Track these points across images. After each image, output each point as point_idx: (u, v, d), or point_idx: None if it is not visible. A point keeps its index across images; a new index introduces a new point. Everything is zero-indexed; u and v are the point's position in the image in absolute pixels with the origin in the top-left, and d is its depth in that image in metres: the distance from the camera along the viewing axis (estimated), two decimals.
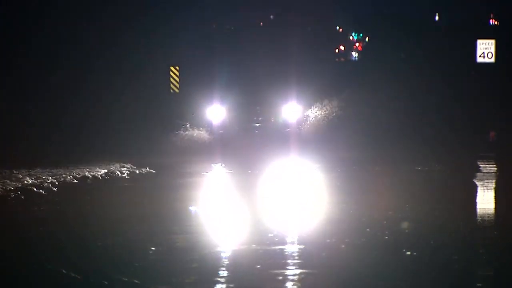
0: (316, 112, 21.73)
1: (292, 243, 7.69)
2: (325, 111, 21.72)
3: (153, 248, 7.45)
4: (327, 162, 16.63)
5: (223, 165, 17.29)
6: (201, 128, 20.57)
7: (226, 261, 6.82)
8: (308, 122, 21.55)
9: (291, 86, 21.12)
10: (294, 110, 21.18)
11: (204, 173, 15.94)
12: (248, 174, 15.28)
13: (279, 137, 20.15)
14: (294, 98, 21.12)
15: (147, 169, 15.64)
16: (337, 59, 35.40)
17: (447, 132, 19.38)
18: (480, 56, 21.46)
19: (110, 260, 6.98)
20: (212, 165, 17.38)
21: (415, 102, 21.10)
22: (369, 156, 17.29)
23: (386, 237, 7.90)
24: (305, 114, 21.69)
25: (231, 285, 5.95)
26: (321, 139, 19.82)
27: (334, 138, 19.43)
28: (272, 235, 8.10)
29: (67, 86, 20.34)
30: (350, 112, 21.41)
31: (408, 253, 6.97)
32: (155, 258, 7.03)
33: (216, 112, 20.85)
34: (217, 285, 5.91)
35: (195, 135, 20.40)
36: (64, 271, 6.47)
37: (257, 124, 21.24)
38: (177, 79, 21.02)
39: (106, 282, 6.03)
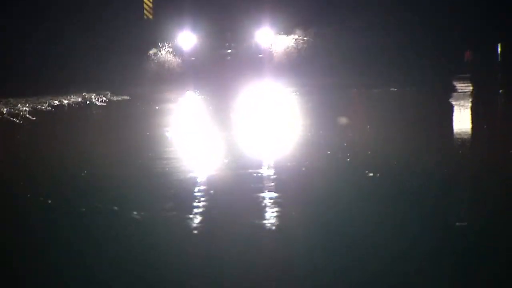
0: (291, 38, 21.52)
1: (267, 167, 7.82)
2: (300, 37, 21.53)
3: (129, 174, 7.57)
4: (301, 86, 16.81)
5: (197, 91, 17.40)
6: (172, 56, 20.51)
7: (203, 186, 6.97)
8: (283, 49, 21.30)
9: (264, 11, 20.65)
10: (267, 36, 20.76)
11: (178, 99, 16.09)
12: (222, 99, 15.43)
13: (252, 64, 19.92)
14: (267, 24, 20.70)
15: (122, 97, 15.80)
16: None
17: (422, 54, 19.39)
18: None
19: (84, 187, 7.08)
20: (186, 91, 17.48)
21: (390, 23, 20.96)
22: (344, 81, 17.40)
23: (348, 159, 8.02)
24: (279, 40, 21.37)
25: (209, 209, 6.11)
26: (296, 66, 19.79)
27: (310, 64, 19.36)
28: (246, 159, 8.27)
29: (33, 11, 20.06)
30: (327, 38, 21.24)
31: (370, 174, 7.09)
32: (131, 184, 7.16)
33: (187, 39, 20.48)
34: (195, 209, 6.07)
35: (166, 63, 20.36)
36: (39, 198, 6.51)
37: (229, 51, 20.83)
38: (150, 4, 20.73)
39: (83, 209, 6.15)
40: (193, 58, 20.46)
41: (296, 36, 21.57)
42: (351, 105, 13.44)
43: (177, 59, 20.59)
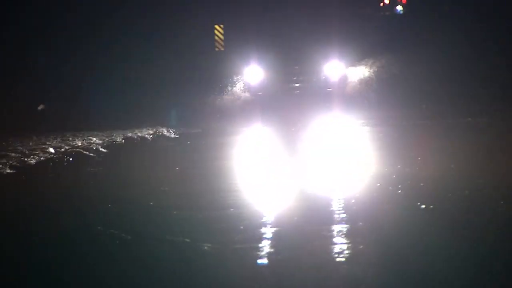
0: (359, 71, 21.43)
1: (337, 201, 7.79)
2: (369, 70, 21.44)
3: (200, 207, 7.71)
4: (372, 119, 16.62)
5: (264, 125, 17.56)
6: (240, 90, 20.71)
7: (271, 220, 7.03)
8: (351, 81, 21.20)
9: (333, 44, 20.55)
10: (336, 69, 20.55)
11: (247, 132, 16.28)
12: (290, 132, 15.50)
13: (321, 97, 19.83)
14: (336, 56, 20.56)
15: (194, 130, 16.17)
16: (382, 13, 34.59)
17: (496, 89, 18.89)
18: None
19: (158, 219, 7.23)
20: (254, 125, 17.66)
21: (461, 58, 20.65)
22: (417, 112, 17.08)
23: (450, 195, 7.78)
24: (348, 73, 21.26)
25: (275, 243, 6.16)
26: (365, 99, 19.60)
27: (379, 97, 19.15)
28: (317, 195, 8.28)
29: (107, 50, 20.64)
30: (395, 70, 21.06)
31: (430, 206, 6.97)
32: (204, 216, 7.27)
33: (254, 72, 20.55)
34: (263, 242, 6.13)
35: (235, 96, 20.59)
36: (115, 231, 6.70)
37: (297, 84, 20.77)
38: (221, 36, 21.04)
39: (154, 242, 6.30)
40: (260, 93, 20.50)
41: (366, 69, 21.45)
42: (426, 137, 13.09)
43: (245, 93, 20.77)
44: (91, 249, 6.18)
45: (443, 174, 8.99)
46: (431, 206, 7.20)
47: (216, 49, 21.09)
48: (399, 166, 9.72)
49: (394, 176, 8.99)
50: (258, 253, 5.82)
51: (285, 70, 20.80)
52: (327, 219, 6.85)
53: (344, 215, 7.00)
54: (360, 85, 21.01)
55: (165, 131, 16.05)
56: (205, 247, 6.00)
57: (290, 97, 20.28)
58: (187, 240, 6.30)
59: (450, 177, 8.78)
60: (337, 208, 7.33)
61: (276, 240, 6.21)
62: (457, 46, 21.09)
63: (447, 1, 24.19)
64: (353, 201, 7.73)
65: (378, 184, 8.60)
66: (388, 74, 20.88)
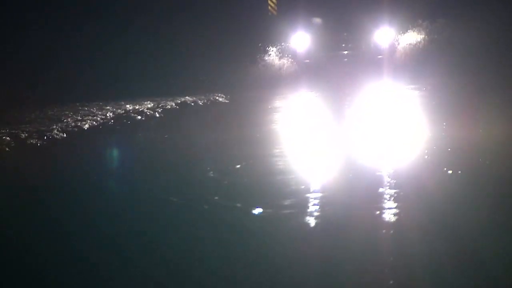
0: (411, 37, 21.03)
1: (384, 166, 7.93)
2: (421, 36, 20.99)
3: (251, 172, 7.94)
4: (425, 87, 16.25)
5: (313, 92, 17.61)
6: (288, 57, 20.67)
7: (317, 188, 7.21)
8: (402, 48, 20.84)
9: (383, 10, 20.28)
10: (386, 35, 20.30)
11: (295, 99, 16.43)
12: (337, 100, 15.53)
13: (371, 65, 19.59)
14: (386, 23, 20.30)
15: (242, 95, 16.48)
16: None
17: None
18: None
19: (209, 184, 7.50)
20: (301, 92, 17.75)
21: None
22: (471, 80, 16.62)
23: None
24: (399, 39, 20.91)
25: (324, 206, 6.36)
26: (417, 66, 19.10)
27: (434, 63, 18.57)
28: (362, 159, 8.43)
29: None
30: (448, 36, 20.46)
31: None
32: (254, 181, 7.48)
33: (301, 39, 20.48)
34: (313, 206, 6.34)
35: (283, 63, 20.63)
36: (167, 197, 7.00)
37: (346, 52, 20.58)
38: (274, 1, 21.04)
39: (206, 207, 6.54)
40: (307, 60, 20.46)
41: (418, 35, 21.09)
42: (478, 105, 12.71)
43: (293, 61, 20.75)
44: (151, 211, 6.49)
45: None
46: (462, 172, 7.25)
47: (270, 13, 21.12)
48: (443, 133, 9.75)
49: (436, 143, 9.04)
50: (306, 217, 6.04)
51: (334, 37, 20.69)
52: (373, 186, 6.99)
53: (391, 180, 7.14)
54: (412, 52, 20.72)
55: (217, 97, 16.35)
56: (256, 212, 6.25)
57: (339, 66, 20.15)
58: (238, 205, 6.54)
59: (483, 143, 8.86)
60: (383, 174, 7.48)
61: (322, 204, 6.41)
62: None
63: None
64: (398, 168, 7.84)
65: (426, 152, 8.69)
66: (441, 40, 20.47)
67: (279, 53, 20.83)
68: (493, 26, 19.79)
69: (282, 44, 20.93)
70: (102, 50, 19.56)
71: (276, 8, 21.20)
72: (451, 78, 16.67)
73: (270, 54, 20.88)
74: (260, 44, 20.73)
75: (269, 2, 21.14)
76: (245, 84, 18.37)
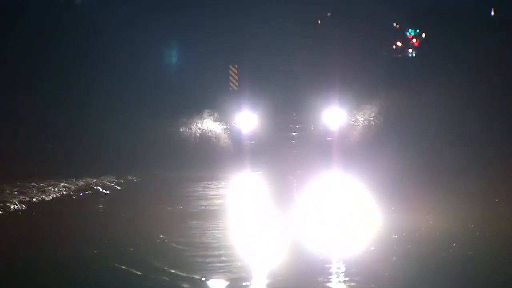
0: (362, 118, 20.28)
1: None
2: (372, 117, 20.26)
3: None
4: (379, 178, 15.18)
5: (258, 173, 16.64)
6: (232, 136, 19.78)
7: None
8: (353, 129, 20.05)
9: (335, 89, 19.62)
10: (336, 114, 19.53)
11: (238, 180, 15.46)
12: (282, 184, 14.53)
13: (319, 148, 18.69)
14: (336, 102, 19.58)
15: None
16: (398, 55, 33.92)
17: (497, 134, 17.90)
18: None
19: None
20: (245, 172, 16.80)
21: (471, 103, 19.68)
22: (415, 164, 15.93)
23: None
24: (350, 120, 20.16)
25: None
26: (370, 149, 18.23)
27: (381, 147, 17.89)
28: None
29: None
30: (405, 114, 19.84)
31: None
32: None
33: (246, 119, 19.64)
34: None
35: (226, 142, 19.68)
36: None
37: (294, 133, 19.78)
38: (235, 76, 20.34)
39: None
40: (253, 141, 19.54)
41: (369, 116, 20.37)
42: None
43: (237, 140, 19.79)
44: None
45: None
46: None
47: (231, 89, 20.39)
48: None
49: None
50: None
51: (283, 117, 19.95)
52: None
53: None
54: (362, 135, 19.91)
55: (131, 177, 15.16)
56: None
57: (286, 148, 19.30)
58: None
59: None
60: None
61: None
62: (467, 91, 20.19)
63: (459, 47, 23.31)
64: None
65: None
66: (393, 122, 19.77)
67: (224, 132, 19.89)
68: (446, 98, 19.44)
69: (227, 123, 20.05)
70: None
71: (236, 83, 20.51)
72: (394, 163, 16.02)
73: (213, 133, 19.94)
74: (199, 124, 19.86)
75: (231, 77, 20.45)
76: (180, 163, 17.28)
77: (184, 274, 7.04)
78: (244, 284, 6.82)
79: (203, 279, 6.88)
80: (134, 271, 7.27)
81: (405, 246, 8.26)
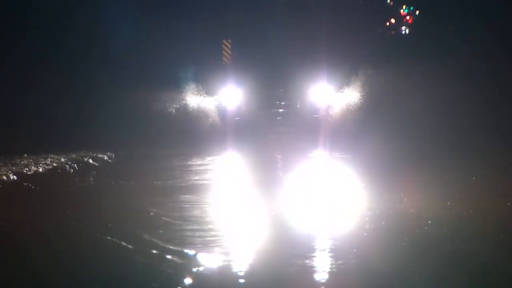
0: (350, 95, 20.09)
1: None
2: (360, 94, 20.08)
3: None
4: (357, 152, 15.13)
5: (239, 153, 16.48)
6: (216, 113, 19.57)
7: None
8: (340, 106, 19.86)
9: (323, 65, 19.40)
10: (323, 91, 19.34)
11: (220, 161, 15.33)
12: (266, 164, 14.40)
13: (305, 125, 18.53)
14: (324, 79, 19.39)
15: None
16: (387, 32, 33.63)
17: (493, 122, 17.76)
18: None
19: None
20: (229, 152, 16.63)
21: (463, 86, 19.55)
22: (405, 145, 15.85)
23: None
24: (338, 97, 19.95)
25: None
26: (353, 128, 18.07)
27: (368, 125, 17.70)
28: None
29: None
30: (388, 95, 19.73)
31: None
32: None
33: (231, 95, 19.43)
34: None
35: (208, 120, 19.49)
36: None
37: (280, 110, 19.62)
38: (228, 51, 20.15)
39: None
40: (238, 118, 19.37)
41: (357, 93, 20.20)
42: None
43: (221, 116, 19.61)
44: None
45: None
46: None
47: (223, 63, 20.22)
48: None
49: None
50: None
51: (269, 93, 19.77)
52: None
53: None
54: (349, 112, 19.75)
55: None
56: None
57: (272, 125, 19.13)
58: None
59: None
60: None
61: None
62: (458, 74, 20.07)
63: (454, 25, 23.14)
64: None
65: None
66: (381, 100, 19.61)
67: (208, 108, 19.68)
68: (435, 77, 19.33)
69: (214, 97, 19.85)
70: None
71: (229, 58, 20.34)
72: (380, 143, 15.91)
73: (195, 109, 19.73)
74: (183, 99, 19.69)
75: (224, 52, 20.27)
76: (159, 140, 17.09)
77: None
78: (233, 258, 6.92)
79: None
80: (124, 244, 7.25)
81: (380, 222, 8.42)
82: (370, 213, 8.96)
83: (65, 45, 19.57)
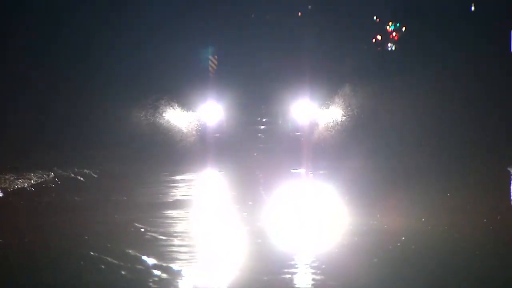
0: (333, 113, 19.98)
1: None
2: (344, 112, 19.99)
3: None
4: (344, 182, 14.91)
5: (221, 171, 16.31)
6: (196, 129, 19.44)
7: None
8: (322, 124, 19.73)
9: (306, 82, 19.38)
10: (306, 108, 19.25)
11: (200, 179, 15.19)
12: (246, 182, 14.28)
13: (287, 143, 18.40)
14: (307, 96, 19.32)
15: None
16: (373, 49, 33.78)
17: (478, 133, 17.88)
18: None
19: None
20: (209, 170, 16.49)
21: (447, 100, 19.63)
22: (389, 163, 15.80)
23: None
24: (321, 115, 19.83)
25: None
26: (339, 146, 17.92)
27: (350, 144, 17.63)
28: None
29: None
30: (379, 111, 19.73)
31: None
32: None
33: (211, 111, 19.34)
34: None
35: (189, 143, 19.31)
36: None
37: (262, 127, 19.54)
38: (215, 62, 20.16)
39: None
40: (218, 135, 19.26)
41: (341, 110, 20.14)
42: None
43: (201, 134, 19.48)
44: None
45: None
46: None
47: (210, 74, 20.24)
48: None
49: None
50: None
51: (251, 109, 19.72)
52: None
53: None
54: (332, 129, 19.65)
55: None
56: None
57: (253, 142, 19.02)
58: None
59: None
60: None
61: None
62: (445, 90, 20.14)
63: (440, 42, 23.22)
64: None
65: None
66: (365, 117, 19.57)
67: (187, 125, 19.53)
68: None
69: (192, 115, 19.72)
70: None
71: (213, 72, 20.35)
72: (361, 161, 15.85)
73: (173, 124, 19.58)
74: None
75: (211, 63, 20.27)
76: (138, 158, 16.97)
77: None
78: (213, 273, 6.98)
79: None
80: (109, 259, 7.20)
81: (353, 239, 8.42)
82: (345, 229, 8.97)
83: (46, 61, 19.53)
